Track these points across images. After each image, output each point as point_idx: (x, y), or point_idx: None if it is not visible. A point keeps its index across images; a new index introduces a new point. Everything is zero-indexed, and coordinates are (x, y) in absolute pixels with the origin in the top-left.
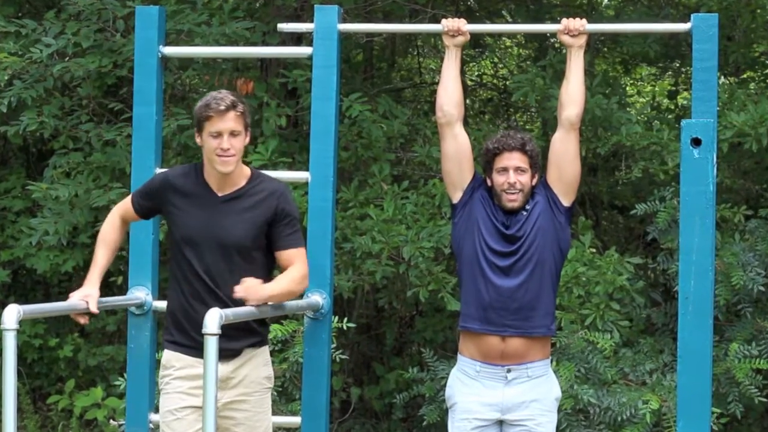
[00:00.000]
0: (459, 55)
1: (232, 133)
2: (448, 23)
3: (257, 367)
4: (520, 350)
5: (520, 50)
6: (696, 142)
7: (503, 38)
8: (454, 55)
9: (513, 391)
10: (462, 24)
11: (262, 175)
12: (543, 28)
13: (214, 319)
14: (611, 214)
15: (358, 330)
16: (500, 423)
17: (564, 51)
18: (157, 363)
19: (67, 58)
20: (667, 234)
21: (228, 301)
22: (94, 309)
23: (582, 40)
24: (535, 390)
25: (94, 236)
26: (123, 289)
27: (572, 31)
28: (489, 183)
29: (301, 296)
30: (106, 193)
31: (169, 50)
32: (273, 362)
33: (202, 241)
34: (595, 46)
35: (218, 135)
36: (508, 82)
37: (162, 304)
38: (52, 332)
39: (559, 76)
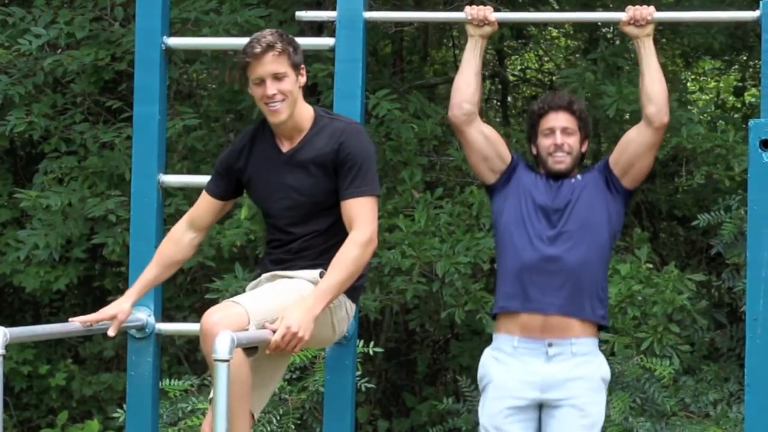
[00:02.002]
0: (484, 46)
1: (276, 77)
2: (473, 11)
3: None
4: (564, 325)
5: (569, 41)
6: (765, 144)
7: (549, 28)
8: (479, 46)
9: (555, 368)
10: (488, 12)
11: (325, 115)
12: (597, 16)
13: (224, 344)
14: (670, 225)
15: (386, 355)
16: (539, 407)
17: (617, 42)
18: (161, 392)
19: (60, 51)
20: (734, 248)
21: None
22: (111, 333)
23: (649, 29)
24: (580, 368)
25: (89, 250)
26: None
27: (639, 21)
28: (534, 151)
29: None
30: (103, 202)
31: (174, 41)
32: (291, 392)
33: (275, 208)
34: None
35: (260, 82)
36: (554, 78)
37: (166, 327)
38: (43, 358)
39: (611, 70)
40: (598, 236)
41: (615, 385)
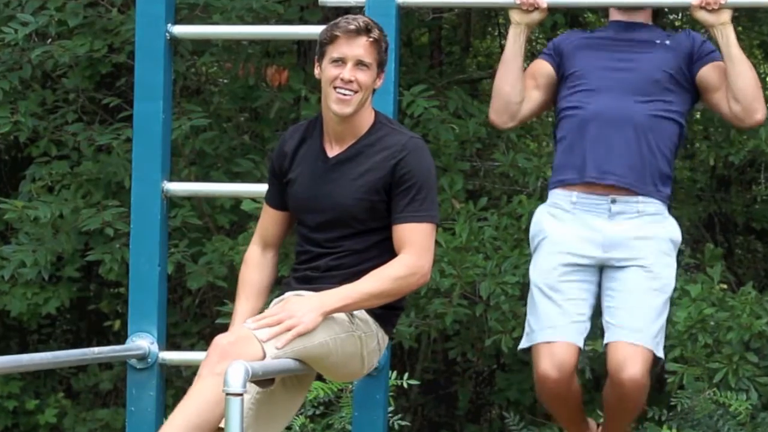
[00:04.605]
0: (525, 38)
1: (359, 64)
2: None
3: None
4: (628, 186)
5: None
6: None
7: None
8: (523, 38)
9: (619, 226)
10: None
11: (385, 123)
12: (663, 0)
13: (237, 376)
14: (747, 240)
15: (423, 389)
16: (600, 269)
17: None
18: None
19: (50, 41)
20: None
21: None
22: None
23: (725, 16)
24: (648, 227)
25: (83, 268)
26: (121, 337)
27: (711, 5)
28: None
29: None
30: (99, 213)
31: (180, 30)
32: (314, 430)
33: (311, 217)
34: None
35: (341, 62)
36: None
37: (170, 355)
38: (31, 392)
39: None
40: (666, 96)
41: (684, 423)
